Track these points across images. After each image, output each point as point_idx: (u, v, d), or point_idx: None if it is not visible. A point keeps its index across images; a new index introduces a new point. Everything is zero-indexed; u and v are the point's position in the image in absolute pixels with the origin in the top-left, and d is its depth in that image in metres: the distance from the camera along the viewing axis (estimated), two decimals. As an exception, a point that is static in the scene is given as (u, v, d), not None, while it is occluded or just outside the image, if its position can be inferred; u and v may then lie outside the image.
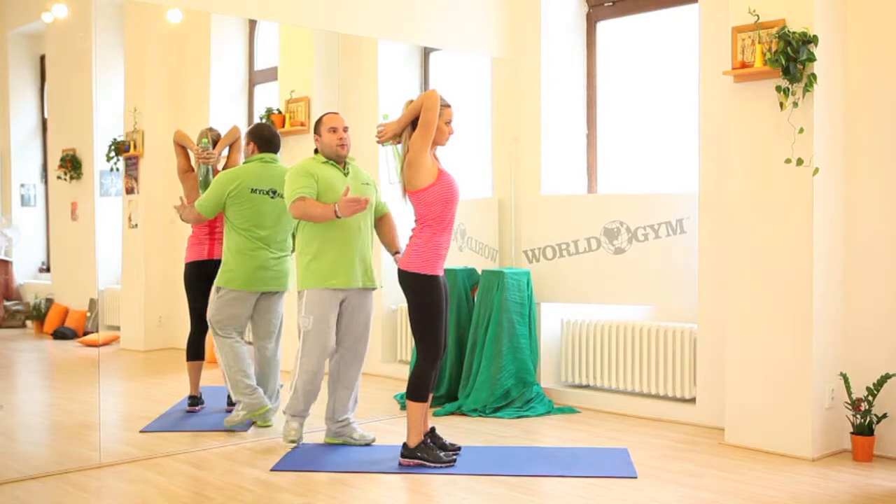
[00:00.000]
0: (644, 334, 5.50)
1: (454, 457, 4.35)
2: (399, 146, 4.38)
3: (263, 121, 5.90)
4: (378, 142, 4.43)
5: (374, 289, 4.68)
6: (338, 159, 4.59)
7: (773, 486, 3.96)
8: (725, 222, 4.85)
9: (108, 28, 5.75)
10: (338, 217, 4.34)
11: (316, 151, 4.66)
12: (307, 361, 4.53)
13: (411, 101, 4.33)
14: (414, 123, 4.28)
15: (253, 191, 4.87)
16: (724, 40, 4.81)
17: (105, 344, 5.90)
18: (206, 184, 5.08)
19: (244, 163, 5.02)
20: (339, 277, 4.49)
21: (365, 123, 6.44)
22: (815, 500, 3.76)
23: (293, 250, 4.87)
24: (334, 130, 4.58)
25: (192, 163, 5.20)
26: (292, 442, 4.62)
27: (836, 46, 4.51)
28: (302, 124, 5.72)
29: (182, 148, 5.21)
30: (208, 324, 4.96)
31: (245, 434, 4.95)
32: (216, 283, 4.91)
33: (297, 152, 4.85)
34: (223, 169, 5.18)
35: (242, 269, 4.87)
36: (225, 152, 5.28)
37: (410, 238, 4.36)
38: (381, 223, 4.77)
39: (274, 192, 4.91)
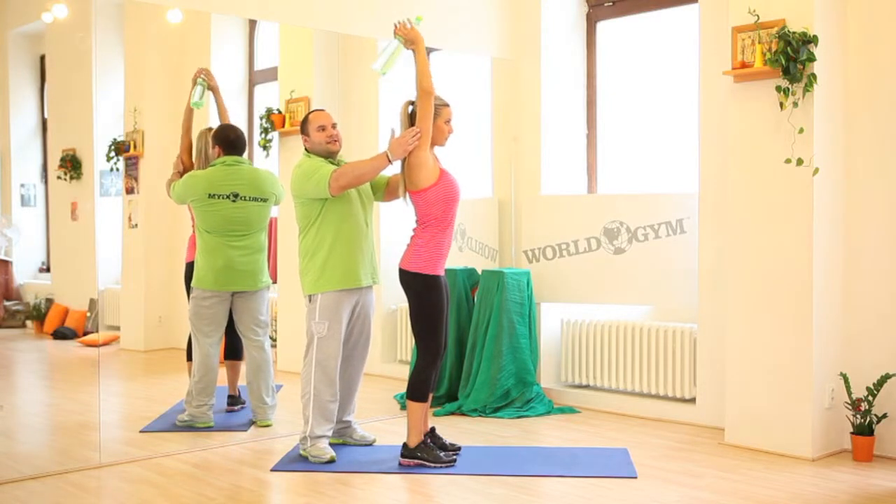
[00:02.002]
0: (644, 334, 5.50)
1: (454, 457, 4.35)
2: (404, 52, 4.32)
3: (263, 120, 5.91)
4: (395, 31, 4.31)
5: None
6: (330, 157, 4.47)
7: (773, 486, 3.96)
8: (725, 222, 4.85)
9: (108, 28, 5.75)
10: (390, 162, 4.24)
11: (306, 152, 4.50)
12: (323, 371, 4.38)
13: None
14: (413, 123, 4.28)
15: (211, 196, 4.87)
16: (724, 40, 4.81)
17: (105, 344, 5.90)
18: (197, 95, 5.15)
19: (209, 166, 5.02)
20: (354, 277, 4.40)
21: (365, 123, 6.46)
22: (815, 500, 3.76)
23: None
24: (323, 128, 4.44)
25: (194, 159, 5.19)
26: (331, 461, 4.33)
27: (836, 46, 4.51)
28: (302, 124, 5.72)
29: (187, 137, 5.18)
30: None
31: (245, 434, 4.96)
32: (192, 283, 4.96)
33: (297, 153, 4.83)
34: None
35: (209, 268, 4.90)
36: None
37: (412, 238, 4.36)
38: (387, 187, 4.60)
39: (235, 196, 4.90)
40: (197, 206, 4.89)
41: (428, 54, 6.60)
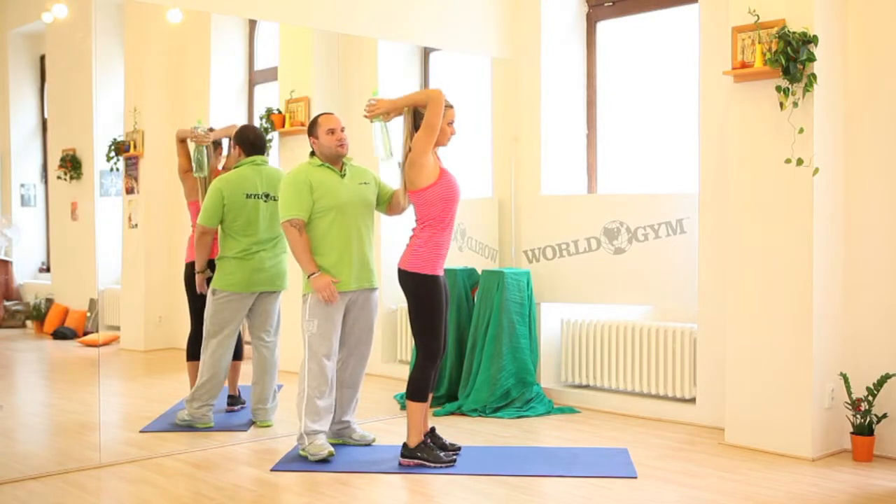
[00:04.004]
0: (644, 334, 5.50)
1: (454, 457, 4.35)
2: (388, 124, 4.38)
3: (264, 120, 5.91)
4: (366, 116, 4.37)
5: (375, 289, 4.65)
6: (337, 161, 4.51)
7: (773, 486, 3.96)
8: (725, 222, 4.85)
9: (108, 28, 5.75)
10: (308, 277, 4.36)
11: (312, 154, 4.55)
12: (315, 367, 4.42)
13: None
14: (416, 123, 4.28)
15: (248, 196, 4.89)
16: (724, 40, 4.81)
17: (105, 344, 5.90)
18: (199, 163, 5.11)
19: (234, 167, 5.01)
20: (341, 281, 4.44)
21: (365, 123, 6.44)
22: (814, 500, 3.76)
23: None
24: (332, 132, 4.47)
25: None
26: (329, 457, 4.34)
27: (836, 46, 4.51)
28: (302, 124, 5.72)
29: (184, 146, 5.20)
30: (204, 325, 4.97)
31: (245, 434, 4.96)
32: (213, 285, 4.93)
33: (297, 153, 4.84)
34: (223, 169, 5.18)
35: (241, 271, 4.89)
36: (226, 150, 5.29)
37: (411, 238, 4.36)
38: (391, 200, 4.67)
39: (267, 196, 4.93)
40: (232, 208, 4.86)
41: (427, 55, 6.66)
